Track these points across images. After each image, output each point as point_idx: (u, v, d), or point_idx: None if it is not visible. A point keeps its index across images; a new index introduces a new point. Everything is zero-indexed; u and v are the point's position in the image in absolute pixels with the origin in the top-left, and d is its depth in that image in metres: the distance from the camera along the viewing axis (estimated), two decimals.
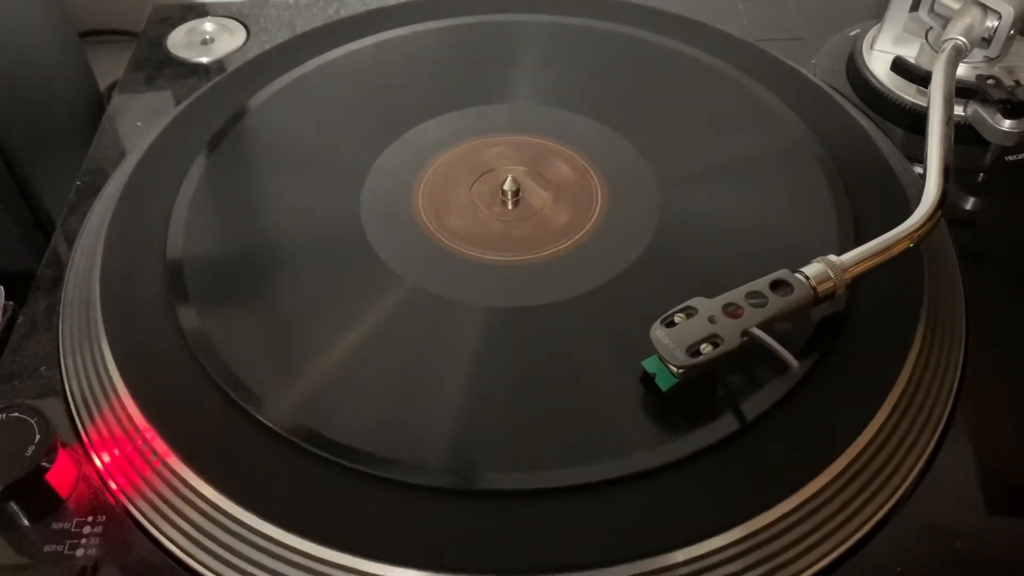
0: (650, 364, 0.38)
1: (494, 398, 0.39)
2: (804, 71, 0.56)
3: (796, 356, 0.37)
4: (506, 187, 0.47)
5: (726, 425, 0.37)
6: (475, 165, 0.50)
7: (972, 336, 0.43)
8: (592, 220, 0.47)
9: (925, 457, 0.39)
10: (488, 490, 0.35)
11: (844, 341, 0.40)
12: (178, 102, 0.57)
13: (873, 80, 0.55)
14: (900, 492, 0.37)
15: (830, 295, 0.39)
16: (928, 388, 0.40)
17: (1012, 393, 0.41)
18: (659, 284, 0.43)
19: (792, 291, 0.38)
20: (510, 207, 0.48)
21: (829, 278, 0.39)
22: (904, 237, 0.40)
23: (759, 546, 0.34)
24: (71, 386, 0.42)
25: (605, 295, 0.43)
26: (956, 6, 0.52)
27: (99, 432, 0.39)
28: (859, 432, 0.37)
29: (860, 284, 0.42)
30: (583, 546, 0.34)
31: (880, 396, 0.38)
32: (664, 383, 0.38)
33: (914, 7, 0.54)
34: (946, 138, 0.45)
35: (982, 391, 0.41)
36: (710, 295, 0.38)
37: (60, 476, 0.37)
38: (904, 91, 0.54)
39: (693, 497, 0.35)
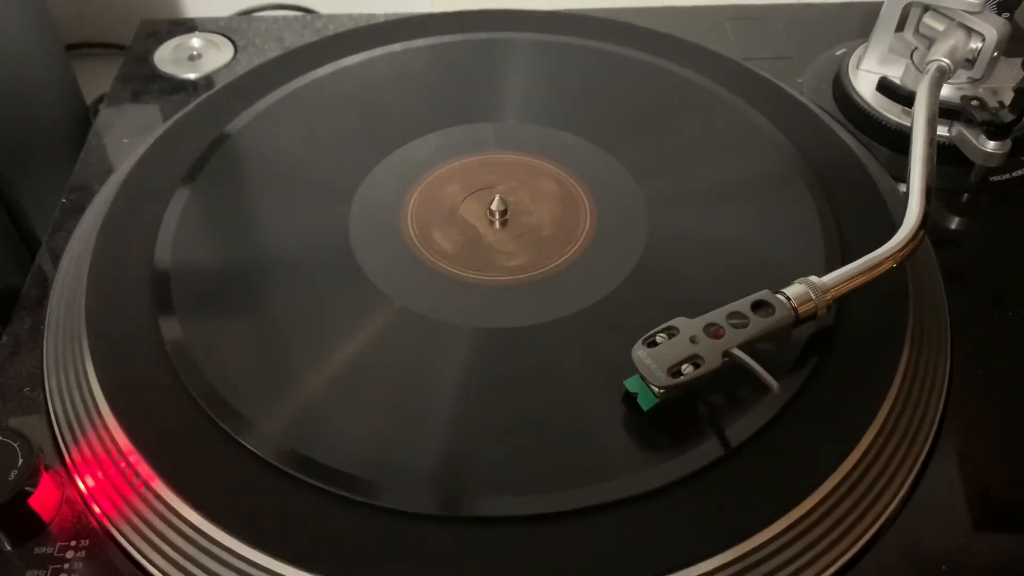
0: (632, 383, 0.38)
1: (479, 421, 0.39)
2: (791, 90, 0.56)
3: (781, 377, 0.37)
4: (494, 206, 0.48)
5: (711, 449, 0.37)
6: (464, 184, 0.50)
7: (957, 356, 0.44)
8: (580, 240, 0.47)
9: (911, 479, 0.39)
10: (472, 517, 0.35)
11: (830, 362, 0.40)
12: (165, 118, 0.57)
13: (859, 100, 0.56)
14: (886, 514, 0.37)
15: (811, 316, 0.39)
16: (914, 409, 0.40)
17: (997, 413, 0.42)
18: (647, 304, 0.43)
19: (773, 312, 0.38)
20: (498, 226, 0.48)
21: (810, 299, 0.39)
22: (886, 258, 0.41)
23: (745, 571, 0.34)
24: (55, 407, 0.41)
25: (593, 316, 0.43)
26: (940, 27, 0.52)
27: (83, 455, 0.39)
28: (845, 455, 0.37)
29: (846, 304, 0.42)
30: (568, 572, 0.34)
31: (866, 418, 0.38)
32: (646, 403, 0.38)
33: (900, 28, 0.55)
34: (929, 159, 0.45)
35: (967, 411, 0.42)
36: (698, 315, 0.38)
37: (43, 500, 0.37)
38: (889, 111, 0.54)
39: (678, 522, 0.35)
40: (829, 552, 0.36)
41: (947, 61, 0.50)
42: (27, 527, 0.37)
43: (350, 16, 0.65)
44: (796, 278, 0.40)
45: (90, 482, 0.38)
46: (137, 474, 0.37)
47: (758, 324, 0.38)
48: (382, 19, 0.63)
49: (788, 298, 0.39)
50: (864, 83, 0.56)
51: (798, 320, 0.39)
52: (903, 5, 0.54)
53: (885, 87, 0.54)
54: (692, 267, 0.46)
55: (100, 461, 0.38)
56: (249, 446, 0.37)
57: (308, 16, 0.67)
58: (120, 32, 0.71)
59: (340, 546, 0.35)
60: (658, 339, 0.38)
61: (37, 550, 0.37)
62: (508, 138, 0.53)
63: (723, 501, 0.36)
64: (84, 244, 0.47)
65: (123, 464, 0.38)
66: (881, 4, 0.55)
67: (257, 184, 0.50)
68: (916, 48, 0.55)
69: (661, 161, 0.51)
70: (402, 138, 0.52)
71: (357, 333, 0.42)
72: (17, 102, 0.59)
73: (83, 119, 0.68)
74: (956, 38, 0.51)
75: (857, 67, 0.58)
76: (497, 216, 0.48)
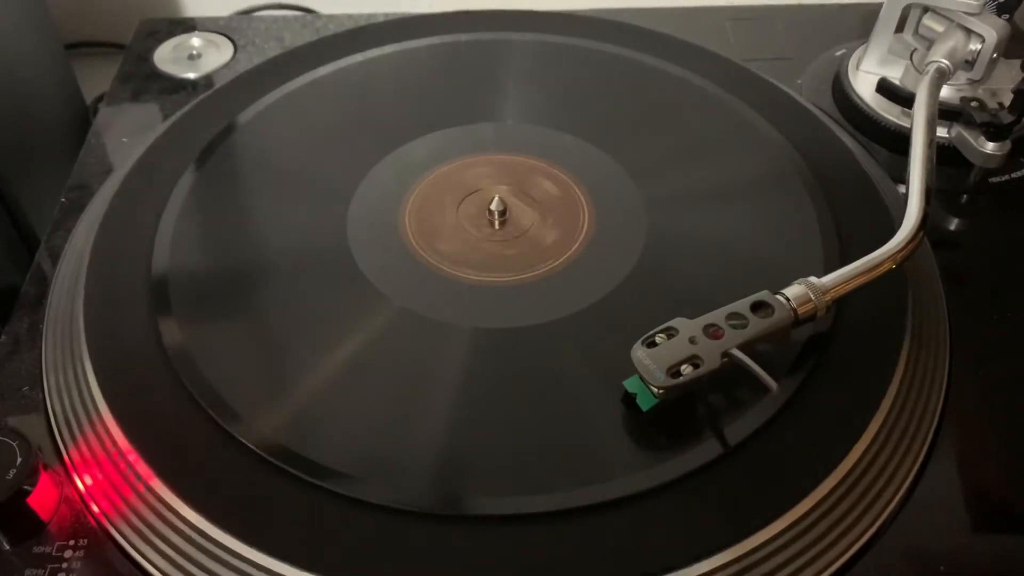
0: (631, 384, 0.38)
1: (478, 421, 0.39)
2: (790, 91, 0.56)
3: (780, 378, 0.37)
4: (493, 207, 0.48)
5: (710, 450, 0.37)
6: (463, 184, 0.50)
7: (956, 357, 0.44)
8: (579, 240, 0.47)
9: (910, 480, 0.39)
10: (471, 515, 0.35)
11: (828, 363, 0.40)
12: (165, 117, 0.57)
13: (858, 101, 0.56)
14: (885, 515, 0.37)
15: (811, 317, 0.39)
16: (912, 410, 0.40)
17: (996, 414, 0.42)
18: (646, 305, 0.43)
19: (773, 313, 0.38)
20: (497, 227, 0.48)
21: (810, 300, 0.39)
22: (886, 259, 0.41)
23: (744, 571, 0.34)
24: (53, 406, 0.41)
25: (592, 316, 0.43)
26: (940, 28, 0.52)
27: (81, 454, 0.39)
28: (843, 456, 0.37)
29: (845, 305, 0.42)
30: (566, 572, 0.34)
31: (864, 419, 0.38)
32: (645, 403, 0.38)
33: (899, 28, 0.55)
34: (928, 160, 0.45)
35: (966, 413, 0.42)
36: (697, 316, 0.38)
37: (41, 499, 0.37)
38: (889, 112, 0.54)
39: (677, 522, 0.35)
40: (828, 552, 0.36)
41: (946, 62, 0.50)
42: (25, 526, 0.37)
43: (350, 16, 0.65)
44: (795, 279, 0.40)
45: (88, 481, 0.38)
46: (136, 473, 0.37)
47: (757, 325, 0.38)
48: (382, 19, 0.63)
49: (787, 299, 0.39)
50: (863, 84, 0.56)
51: (797, 321, 0.39)
52: (903, 6, 0.54)
53: (884, 88, 0.54)
54: (691, 268, 0.46)
55: (99, 460, 0.38)
56: (249, 445, 0.37)
57: (308, 16, 0.67)
58: (120, 31, 0.71)
59: (339, 545, 0.35)
60: (657, 340, 0.38)
61: (35, 549, 0.37)
62: (507, 138, 0.53)
63: (722, 501, 0.36)
64: (83, 243, 0.47)
65: (121, 463, 0.38)
66: (880, 5, 0.55)
67: (256, 183, 0.50)
68: (916, 49, 0.55)
69: (660, 162, 0.51)
70: (401, 138, 0.52)
71: (356, 333, 0.42)
72: (17, 101, 0.59)
73: (83, 118, 0.68)
74: (956, 39, 0.51)
75: (857, 68, 0.58)
76: (496, 216, 0.48)
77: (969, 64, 0.52)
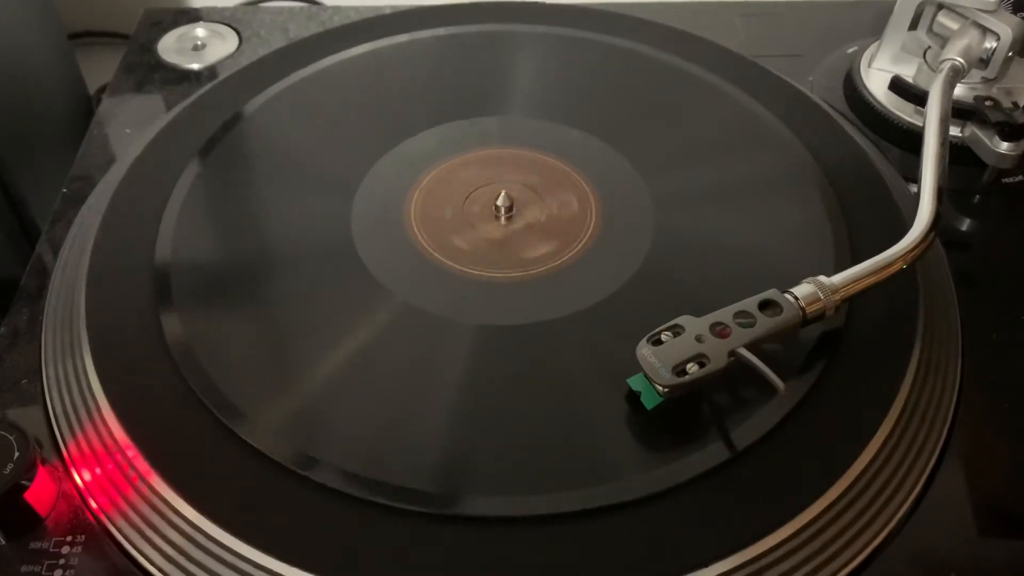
0: (636, 382, 0.38)
1: (481, 419, 0.38)
2: (801, 88, 0.55)
3: (789, 379, 0.37)
4: (499, 202, 0.47)
5: (716, 453, 0.36)
6: (469, 178, 0.49)
7: (968, 359, 0.43)
8: (586, 237, 0.46)
9: (921, 484, 0.38)
10: (473, 516, 0.35)
11: (839, 365, 0.40)
12: (169, 108, 0.57)
13: (870, 98, 0.55)
14: (895, 520, 0.37)
15: (819, 316, 0.39)
16: (924, 413, 0.40)
17: (1008, 417, 0.41)
18: (653, 303, 0.43)
19: (781, 312, 0.38)
20: (503, 222, 0.47)
21: (819, 299, 0.38)
22: (897, 259, 0.40)
23: None
24: (52, 400, 0.41)
25: (598, 314, 0.42)
26: (955, 26, 0.51)
27: (80, 448, 0.39)
28: (854, 459, 0.37)
29: (856, 306, 0.41)
30: (569, 574, 0.33)
31: (875, 422, 0.38)
32: (649, 401, 0.37)
33: (913, 26, 0.54)
34: (941, 159, 0.44)
35: (978, 416, 0.41)
36: (704, 314, 0.38)
37: (39, 494, 0.37)
38: (901, 110, 0.54)
39: (684, 526, 0.35)
40: (837, 558, 0.35)
41: (961, 60, 0.49)
42: (22, 521, 0.36)
43: (355, 8, 0.64)
44: (804, 278, 0.39)
45: (87, 476, 0.38)
46: (134, 469, 0.37)
47: (765, 324, 0.37)
48: (387, 11, 0.62)
49: (796, 298, 0.38)
50: (876, 82, 0.56)
51: (806, 320, 0.38)
52: (917, 3, 0.53)
53: (897, 86, 0.53)
54: (699, 265, 0.45)
55: (97, 455, 0.38)
56: (249, 441, 0.37)
57: (313, 7, 0.67)
58: (124, 21, 0.70)
59: (338, 544, 0.34)
60: (663, 337, 0.37)
61: (32, 545, 0.36)
62: (514, 132, 0.52)
63: (727, 505, 0.35)
64: (84, 235, 0.47)
65: (120, 459, 0.37)
66: (894, 2, 0.54)
67: (260, 176, 0.50)
68: (929, 47, 0.54)
69: (668, 158, 0.50)
70: (407, 132, 0.52)
71: (358, 329, 0.42)
72: (19, 91, 0.59)
73: (86, 108, 0.68)
74: (970, 37, 0.50)
75: (869, 65, 0.57)
76: (503, 212, 0.47)
77: (984, 62, 0.51)
